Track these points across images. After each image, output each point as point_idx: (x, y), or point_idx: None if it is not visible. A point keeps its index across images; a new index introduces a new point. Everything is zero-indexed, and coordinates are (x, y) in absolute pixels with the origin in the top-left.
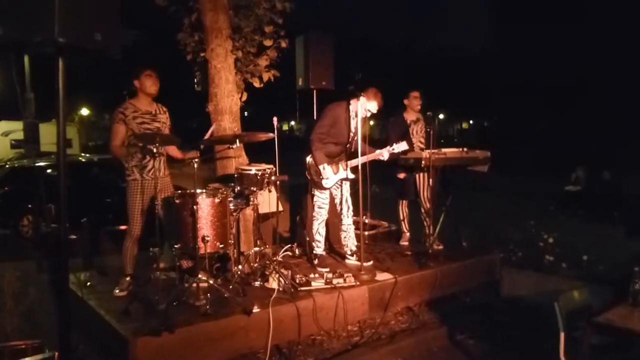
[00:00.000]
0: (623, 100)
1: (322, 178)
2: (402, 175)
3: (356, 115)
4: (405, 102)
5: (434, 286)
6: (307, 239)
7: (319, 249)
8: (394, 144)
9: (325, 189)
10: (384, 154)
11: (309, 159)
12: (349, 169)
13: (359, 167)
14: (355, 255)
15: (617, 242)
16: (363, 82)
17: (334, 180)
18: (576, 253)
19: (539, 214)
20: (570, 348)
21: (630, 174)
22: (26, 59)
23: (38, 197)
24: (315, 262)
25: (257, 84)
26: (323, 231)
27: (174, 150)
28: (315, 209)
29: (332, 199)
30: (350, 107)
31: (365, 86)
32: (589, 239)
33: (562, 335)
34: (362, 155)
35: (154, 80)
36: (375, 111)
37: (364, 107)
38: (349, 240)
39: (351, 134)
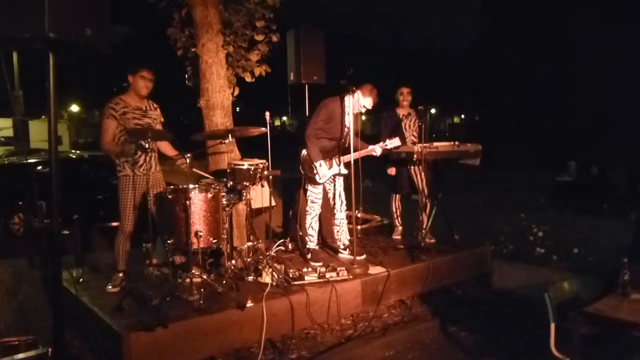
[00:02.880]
0: (611, 94)
1: (316, 173)
2: (392, 171)
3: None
4: (396, 97)
5: (426, 279)
6: (300, 233)
7: (312, 243)
8: (387, 140)
9: (318, 183)
10: (376, 149)
11: (303, 152)
12: (342, 164)
13: (352, 162)
14: (348, 250)
15: (606, 234)
16: (355, 76)
17: (328, 176)
18: (566, 245)
19: (529, 206)
20: (560, 339)
21: (616, 167)
22: (15, 56)
23: (29, 194)
24: (309, 256)
25: (248, 79)
26: (316, 225)
27: (166, 146)
28: (309, 203)
29: (325, 193)
30: (345, 102)
31: (359, 82)
32: (579, 232)
33: (552, 326)
34: (354, 151)
35: (146, 82)
36: (370, 107)
37: (359, 103)
38: (342, 234)
39: (345, 129)
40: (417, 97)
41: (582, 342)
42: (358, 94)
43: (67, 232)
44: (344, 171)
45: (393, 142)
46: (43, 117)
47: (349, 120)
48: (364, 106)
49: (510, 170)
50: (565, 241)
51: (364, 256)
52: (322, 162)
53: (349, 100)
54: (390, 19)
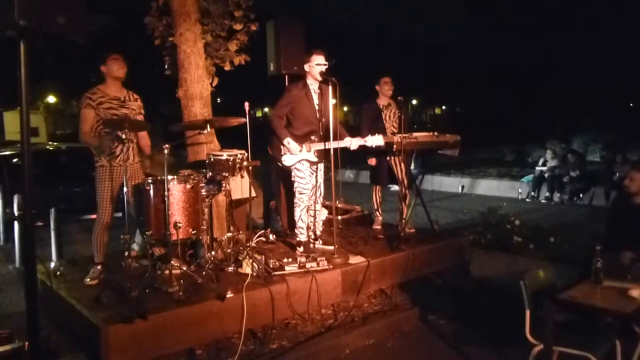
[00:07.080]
0: (585, 85)
1: (284, 153)
2: (372, 161)
3: (318, 89)
4: (377, 87)
5: (405, 269)
6: (281, 224)
7: (303, 236)
8: (368, 136)
9: (304, 173)
10: (352, 143)
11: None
12: (312, 150)
13: (331, 152)
14: (319, 240)
15: (582, 223)
16: (336, 68)
17: (295, 159)
18: (543, 234)
19: (507, 196)
20: (537, 325)
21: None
22: None
23: (3, 186)
24: (301, 249)
25: (227, 67)
26: (306, 218)
27: (144, 140)
28: (297, 194)
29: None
30: (308, 81)
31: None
32: (556, 220)
33: (527, 312)
34: (335, 139)
35: (120, 63)
36: (325, 63)
37: (315, 70)
38: (315, 224)
39: (316, 109)
40: (398, 88)
41: (556, 328)
42: (309, 65)
43: (41, 224)
44: (314, 158)
45: (374, 140)
46: (19, 108)
47: (318, 100)
48: (321, 65)
49: (490, 160)
50: (542, 230)
51: (331, 247)
52: (289, 139)
53: (310, 79)
54: (374, 11)
